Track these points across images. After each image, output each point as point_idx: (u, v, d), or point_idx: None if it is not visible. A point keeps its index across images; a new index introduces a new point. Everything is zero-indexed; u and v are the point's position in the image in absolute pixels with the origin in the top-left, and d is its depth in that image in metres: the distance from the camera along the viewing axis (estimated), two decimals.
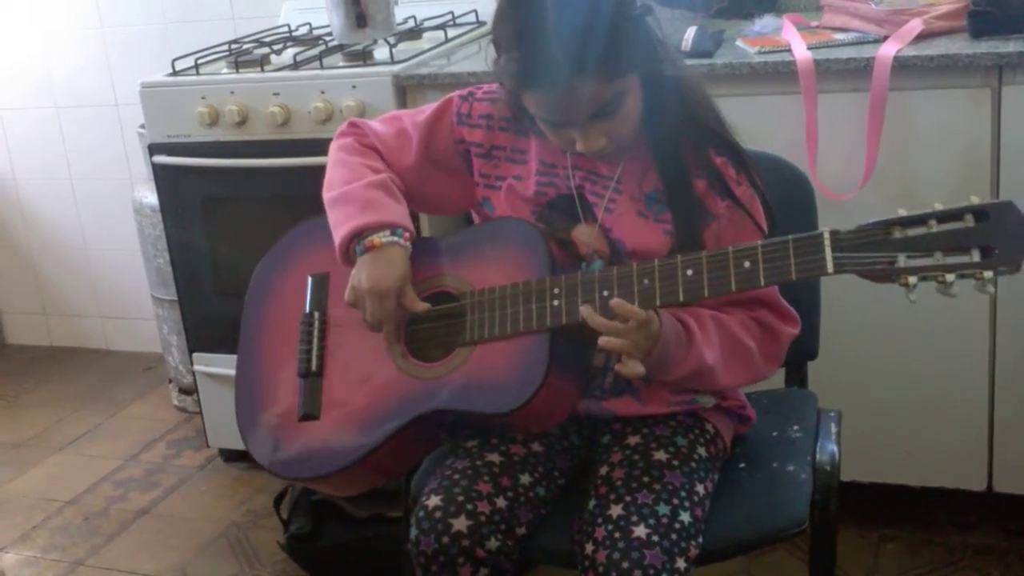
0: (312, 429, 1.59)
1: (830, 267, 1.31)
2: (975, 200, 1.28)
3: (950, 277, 1.26)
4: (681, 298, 1.41)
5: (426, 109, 1.68)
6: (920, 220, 1.29)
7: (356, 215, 1.58)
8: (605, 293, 1.45)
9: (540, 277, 1.51)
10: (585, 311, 1.43)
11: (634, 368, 1.40)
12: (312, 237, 1.69)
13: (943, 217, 1.28)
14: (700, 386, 1.57)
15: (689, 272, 1.40)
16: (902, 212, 1.30)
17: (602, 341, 1.41)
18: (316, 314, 1.66)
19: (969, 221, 1.27)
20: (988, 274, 1.25)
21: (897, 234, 1.29)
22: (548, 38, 1.38)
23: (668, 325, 1.44)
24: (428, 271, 1.62)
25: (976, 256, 1.26)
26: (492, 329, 1.52)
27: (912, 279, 1.28)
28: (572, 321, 1.47)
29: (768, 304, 1.56)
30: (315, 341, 1.65)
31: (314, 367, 1.63)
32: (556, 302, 1.48)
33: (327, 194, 1.64)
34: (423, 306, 1.57)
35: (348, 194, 1.61)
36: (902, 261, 1.28)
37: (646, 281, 1.43)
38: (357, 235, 1.57)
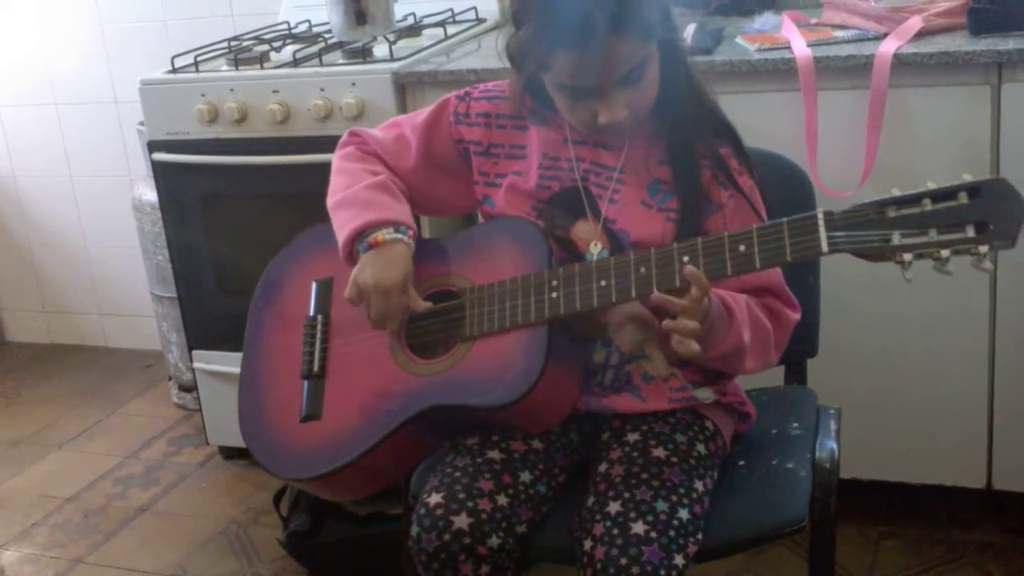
0: (314, 430, 1.59)
1: (825, 247, 1.31)
2: (968, 178, 1.28)
3: (945, 253, 1.26)
4: (678, 284, 1.40)
5: (423, 112, 1.69)
6: (914, 199, 1.29)
7: (357, 215, 1.59)
8: (603, 282, 1.45)
9: (539, 271, 1.51)
10: (688, 270, 1.37)
11: (691, 347, 1.38)
12: (319, 242, 1.70)
13: (937, 196, 1.28)
14: (729, 367, 1.57)
15: (685, 259, 1.40)
16: (896, 192, 1.30)
17: (670, 324, 1.38)
18: (319, 317, 1.67)
19: (963, 199, 1.27)
20: (983, 248, 1.25)
21: (891, 213, 1.29)
22: None
23: (713, 300, 1.43)
24: (429, 270, 1.62)
25: (971, 232, 1.26)
26: (491, 323, 1.52)
27: (907, 256, 1.28)
28: (570, 312, 1.47)
29: (773, 291, 1.57)
30: (318, 343, 1.65)
31: (316, 368, 1.63)
32: (554, 294, 1.49)
33: (329, 200, 1.65)
34: (424, 305, 1.58)
35: (348, 197, 1.62)
36: (896, 239, 1.28)
37: (643, 269, 1.43)
38: (359, 234, 1.58)
